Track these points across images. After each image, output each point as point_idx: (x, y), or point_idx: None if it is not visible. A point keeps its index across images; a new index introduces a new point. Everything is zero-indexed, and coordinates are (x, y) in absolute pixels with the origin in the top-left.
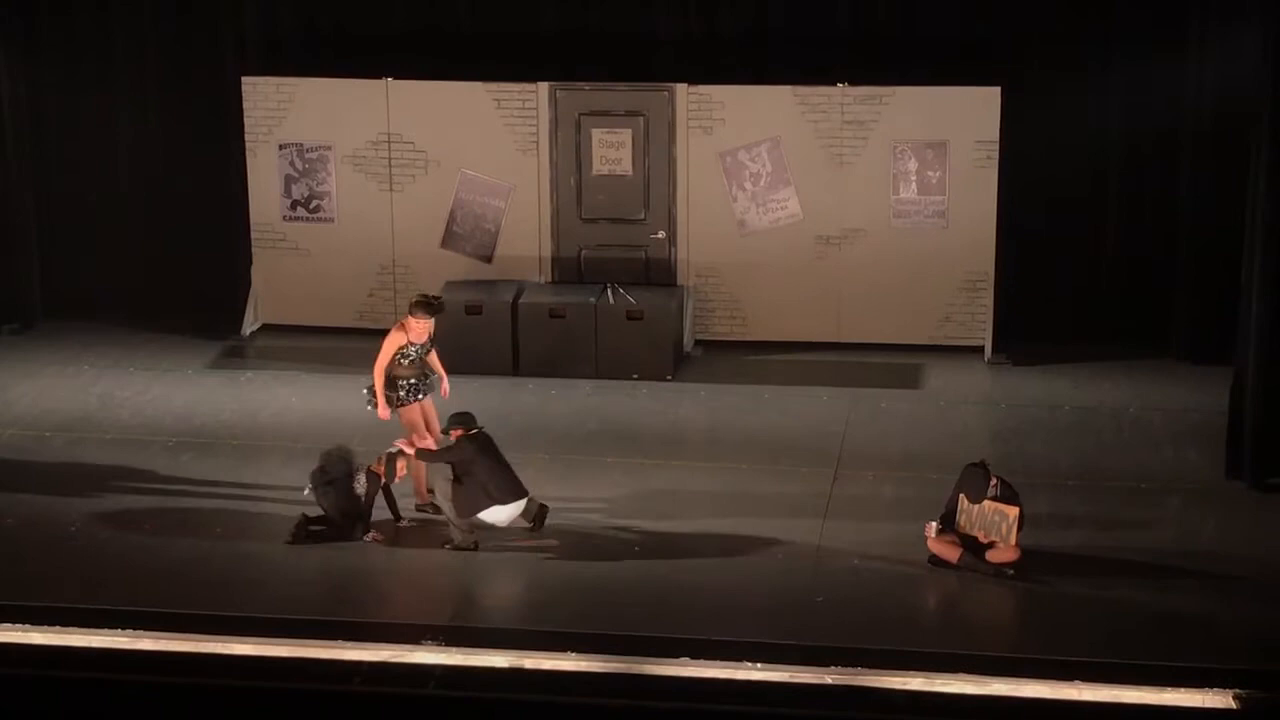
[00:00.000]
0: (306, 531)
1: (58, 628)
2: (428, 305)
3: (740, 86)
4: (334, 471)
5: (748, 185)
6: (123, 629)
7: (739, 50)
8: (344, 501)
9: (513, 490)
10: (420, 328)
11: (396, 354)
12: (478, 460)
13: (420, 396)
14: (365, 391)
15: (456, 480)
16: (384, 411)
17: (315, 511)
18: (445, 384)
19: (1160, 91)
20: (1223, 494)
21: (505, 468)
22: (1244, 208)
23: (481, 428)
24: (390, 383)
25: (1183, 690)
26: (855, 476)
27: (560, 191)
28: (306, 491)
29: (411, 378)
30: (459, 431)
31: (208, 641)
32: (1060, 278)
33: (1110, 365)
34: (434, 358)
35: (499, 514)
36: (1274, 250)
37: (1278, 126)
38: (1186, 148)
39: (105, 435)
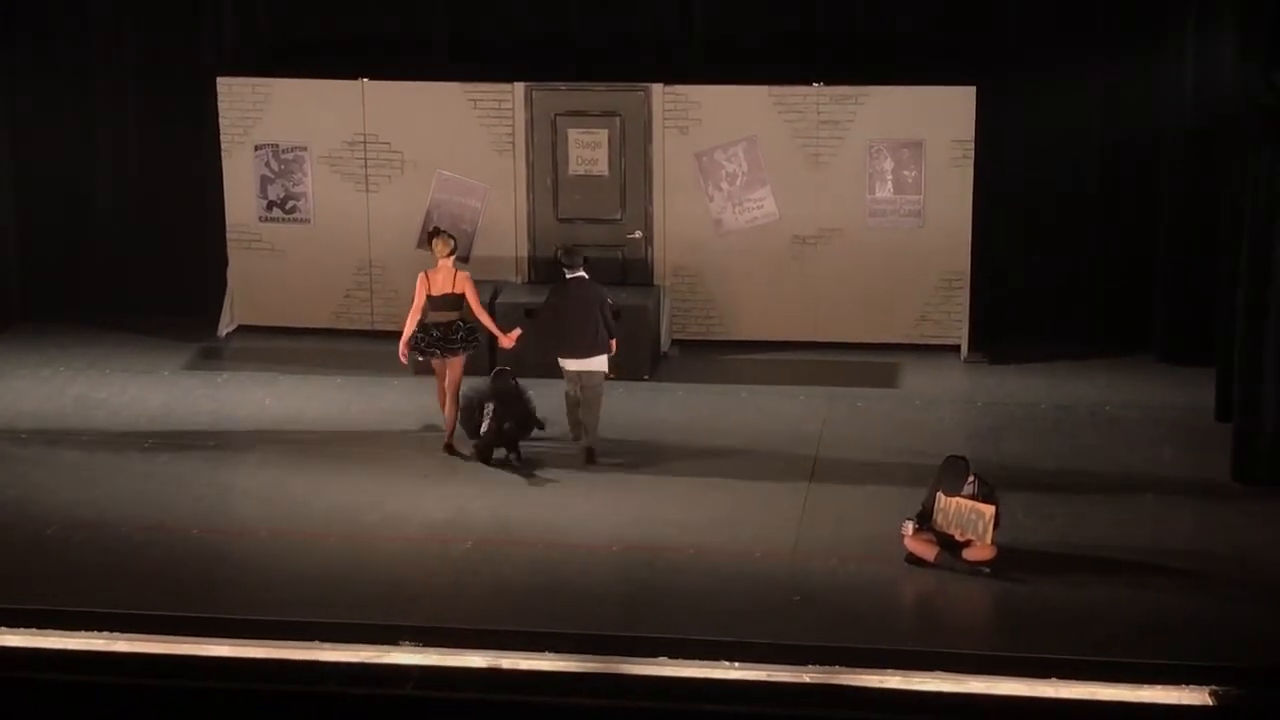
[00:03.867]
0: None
1: (34, 629)
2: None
3: (716, 86)
4: (503, 391)
5: (724, 185)
6: (99, 630)
7: (715, 50)
8: (523, 408)
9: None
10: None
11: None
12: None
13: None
14: (462, 330)
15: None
16: (511, 338)
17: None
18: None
19: (1138, 90)
20: (1199, 492)
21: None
22: (1221, 206)
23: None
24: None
25: (1160, 687)
26: (832, 475)
27: (536, 192)
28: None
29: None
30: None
31: (184, 643)
32: (1036, 277)
33: (1087, 364)
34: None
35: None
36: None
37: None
38: (1164, 146)
39: (81, 436)
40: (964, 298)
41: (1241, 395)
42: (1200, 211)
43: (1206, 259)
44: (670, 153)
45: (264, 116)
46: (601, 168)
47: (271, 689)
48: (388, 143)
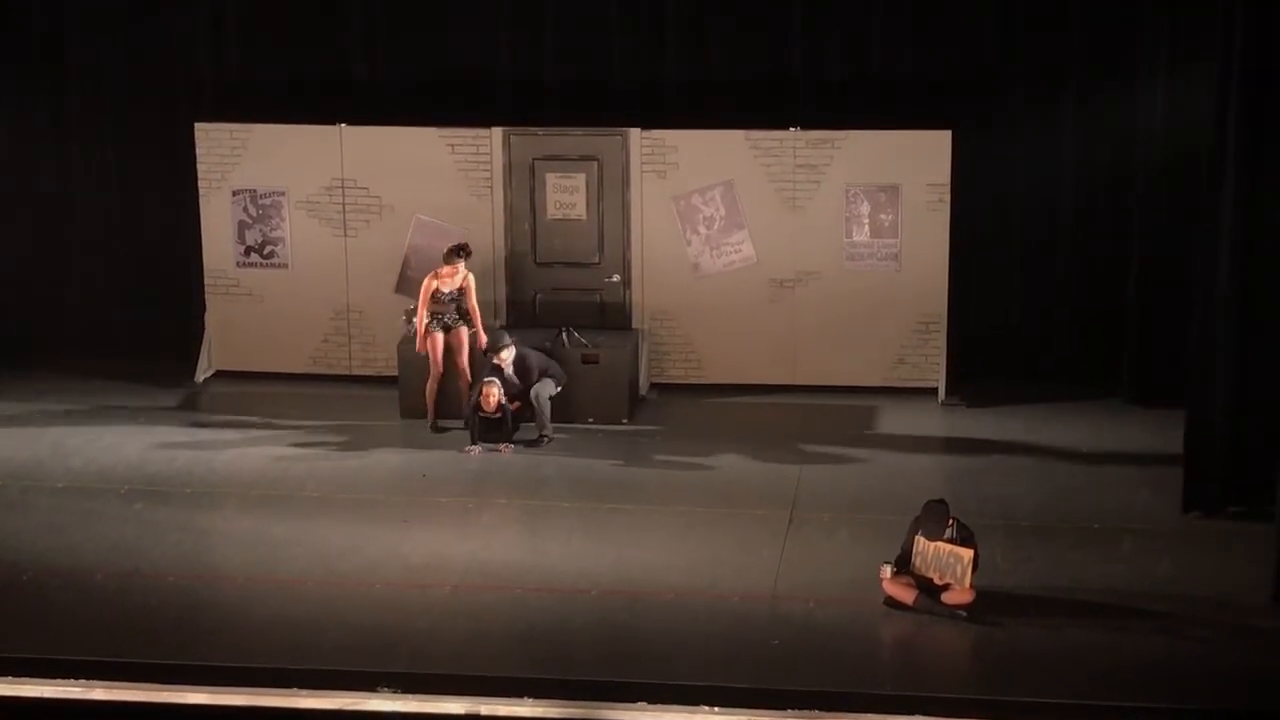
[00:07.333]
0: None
1: (9, 678)
2: (455, 251)
3: (693, 130)
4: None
5: (701, 229)
6: (75, 679)
7: (692, 94)
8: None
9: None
10: (447, 273)
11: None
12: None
13: (439, 328)
14: (404, 316)
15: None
16: (421, 344)
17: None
18: (481, 336)
19: (1110, 134)
20: (1176, 534)
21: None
22: (1194, 248)
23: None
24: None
25: None
26: (810, 519)
27: (515, 236)
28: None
29: (440, 313)
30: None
31: (161, 691)
32: (1013, 319)
33: (1063, 406)
34: (473, 308)
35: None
36: (1238, 274)
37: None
38: (1137, 189)
39: (57, 483)
40: (941, 340)
41: (1190, 427)
42: (1173, 254)
43: (1179, 301)
44: (648, 197)
45: (241, 162)
46: (579, 212)
47: None
48: (366, 187)
